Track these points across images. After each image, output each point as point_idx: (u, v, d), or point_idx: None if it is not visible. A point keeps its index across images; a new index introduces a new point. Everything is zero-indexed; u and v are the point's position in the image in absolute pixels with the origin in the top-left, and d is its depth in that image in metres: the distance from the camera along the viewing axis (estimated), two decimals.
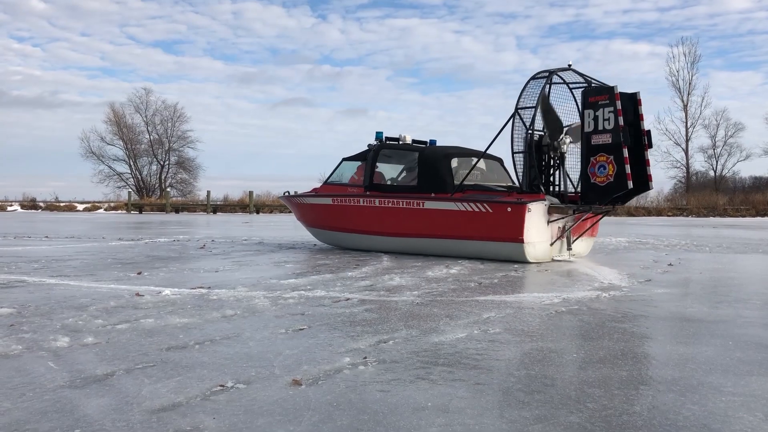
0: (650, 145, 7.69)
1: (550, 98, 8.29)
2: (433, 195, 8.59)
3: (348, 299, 4.77)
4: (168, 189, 44.55)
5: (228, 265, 7.39)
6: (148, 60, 69.56)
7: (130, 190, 45.47)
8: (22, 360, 2.91)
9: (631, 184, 7.36)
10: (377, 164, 9.44)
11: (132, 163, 50.54)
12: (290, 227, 16.38)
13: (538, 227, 7.88)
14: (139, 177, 50.58)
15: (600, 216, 8.60)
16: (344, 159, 10.02)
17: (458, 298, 4.90)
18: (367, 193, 9.30)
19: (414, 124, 74.14)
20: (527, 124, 8.21)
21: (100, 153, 49.49)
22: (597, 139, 7.57)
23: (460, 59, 72.08)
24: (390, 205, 9.00)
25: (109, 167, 50.09)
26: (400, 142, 9.67)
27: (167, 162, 50.78)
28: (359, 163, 9.72)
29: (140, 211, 38.77)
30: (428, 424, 2.15)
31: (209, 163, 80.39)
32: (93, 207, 41.67)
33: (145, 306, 4.37)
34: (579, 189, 8.13)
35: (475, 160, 8.89)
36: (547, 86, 8.18)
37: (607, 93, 7.58)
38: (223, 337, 3.42)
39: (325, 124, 72.34)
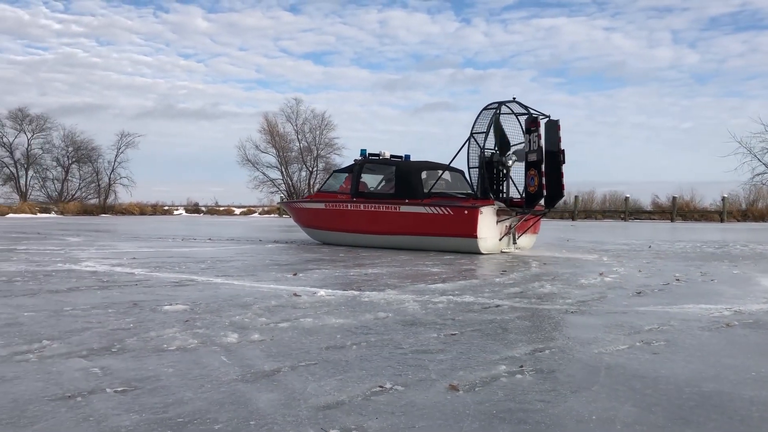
0: (564, 162, 9.78)
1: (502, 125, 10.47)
2: (407, 201, 10.60)
3: (498, 306, 4.71)
4: None
5: (376, 268, 7.57)
6: (298, 71, 73.39)
7: (281, 195, 48.03)
8: (198, 353, 3.15)
9: (544, 192, 9.72)
10: (362, 175, 11.50)
11: (283, 170, 53.25)
12: None
13: (489, 226, 9.89)
14: (290, 183, 53.21)
15: (539, 217, 10.89)
16: (335, 171, 12.33)
17: (615, 308, 4.67)
18: (354, 199, 11.33)
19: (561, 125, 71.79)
20: (480, 145, 10.31)
21: (255, 160, 52.62)
22: (531, 157, 9.88)
23: (611, 57, 69.22)
24: (372, 209, 11.03)
25: (263, 173, 53.08)
26: (381, 157, 11.68)
27: (315, 168, 53.03)
28: (347, 174, 11.93)
29: None
30: None
31: None
32: (248, 211, 44.49)
33: (303, 306, 4.58)
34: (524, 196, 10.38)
35: (440, 172, 11.13)
36: (499, 114, 10.34)
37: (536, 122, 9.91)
38: (377, 339, 3.50)
39: (466, 127, 71.70)
